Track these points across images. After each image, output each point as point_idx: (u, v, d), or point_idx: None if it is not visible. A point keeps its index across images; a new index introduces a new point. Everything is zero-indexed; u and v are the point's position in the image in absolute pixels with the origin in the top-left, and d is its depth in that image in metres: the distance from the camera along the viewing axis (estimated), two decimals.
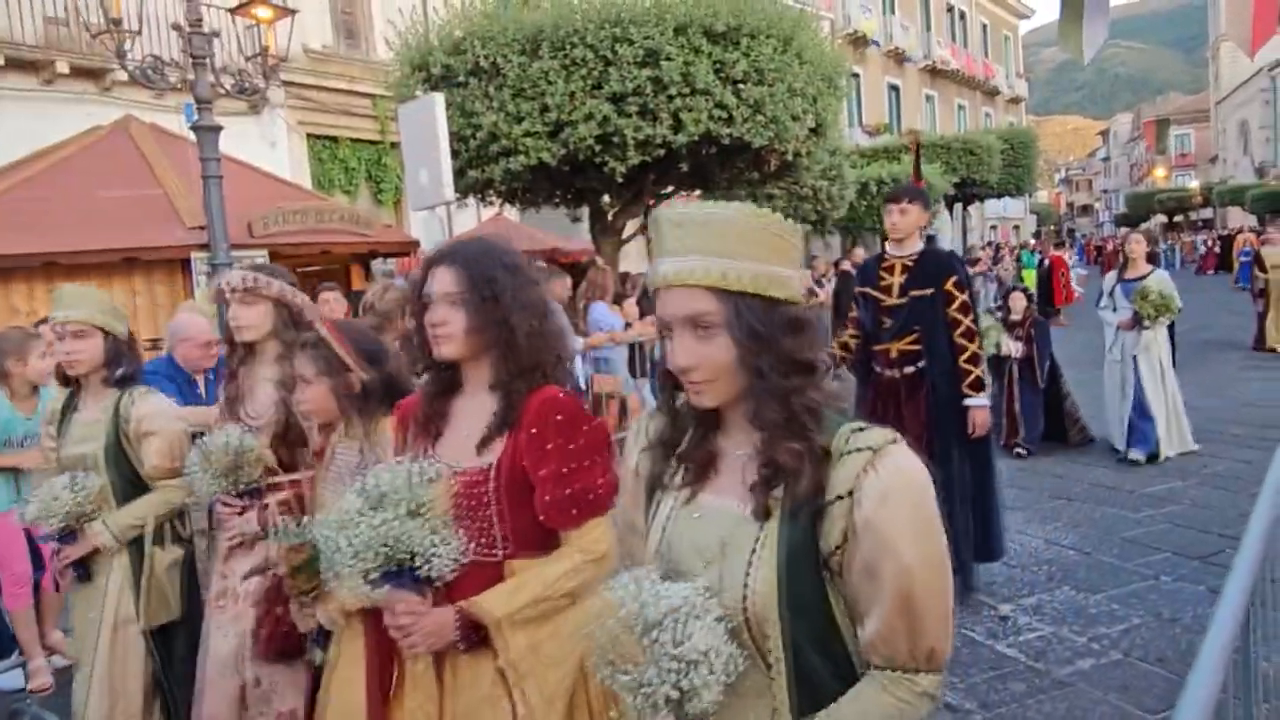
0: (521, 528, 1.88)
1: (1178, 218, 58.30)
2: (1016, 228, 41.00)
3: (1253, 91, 51.78)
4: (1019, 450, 7.31)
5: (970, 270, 18.65)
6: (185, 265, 8.40)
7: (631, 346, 7.81)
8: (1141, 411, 6.82)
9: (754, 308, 1.26)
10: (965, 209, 28.35)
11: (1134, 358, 6.91)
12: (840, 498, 1.24)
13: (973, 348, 4.12)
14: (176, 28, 7.25)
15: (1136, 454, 6.77)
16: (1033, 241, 29.96)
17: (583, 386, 7.37)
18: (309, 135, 14.27)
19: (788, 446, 1.26)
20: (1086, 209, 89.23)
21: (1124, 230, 54.69)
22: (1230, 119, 57.26)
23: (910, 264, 4.22)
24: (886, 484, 1.22)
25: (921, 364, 4.19)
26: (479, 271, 1.89)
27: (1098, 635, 3.89)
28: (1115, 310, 7.10)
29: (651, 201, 11.19)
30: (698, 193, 14.09)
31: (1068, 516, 5.64)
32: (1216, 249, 30.33)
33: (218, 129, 7.21)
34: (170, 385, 4.13)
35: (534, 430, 1.86)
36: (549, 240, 12.58)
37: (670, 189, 11.23)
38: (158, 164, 9.03)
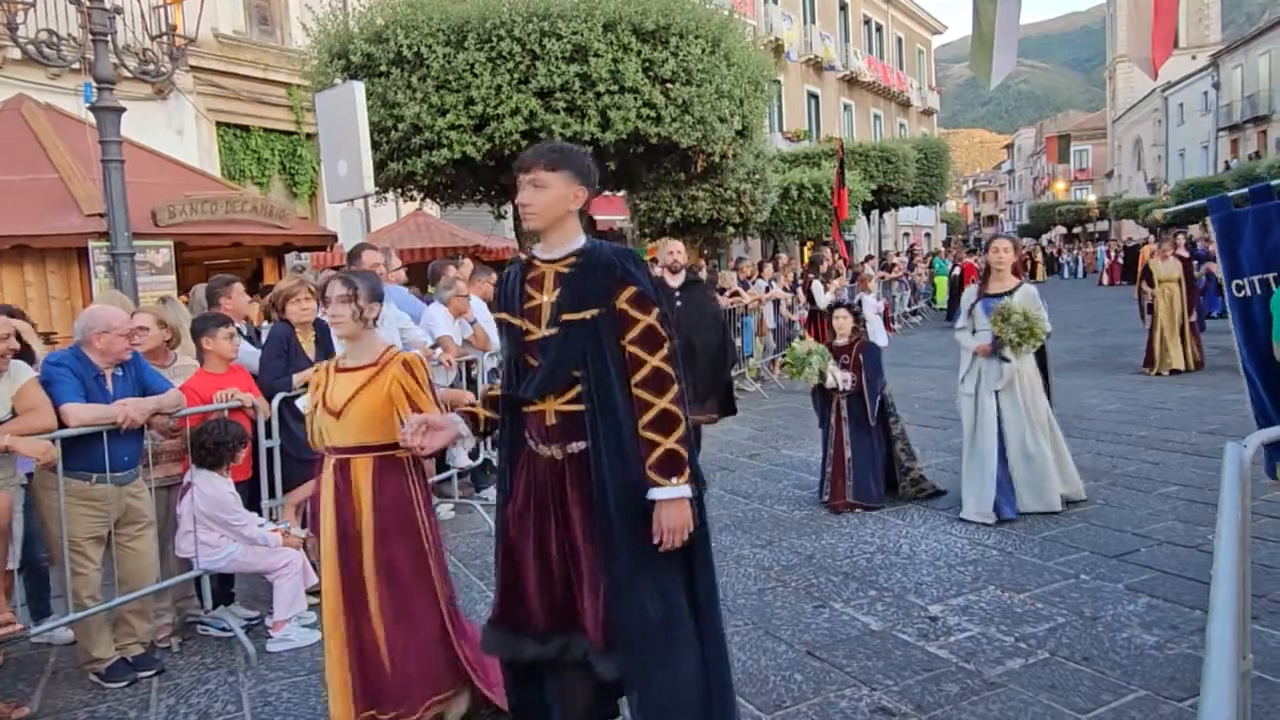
0: None
1: (1076, 229, 61.09)
2: (928, 235, 42.23)
3: (1146, 111, 54.65)
4: (844, 509, 5.91)
5: (885, 276, 19.26)
6: (82, 255, 7.91)
7: None
8: (1002, 463, 5.54)
9: None
10: (881, 216, 29.02)
11: (995, 394, 5.58)
12: None
13: (663, 403, 2.50)
14: (75, 1, 6.81)
15: (1006, 512, 5.49)
16: (942, 249, 30.93)
17: None
18: (219, 124, 13.70)
19: None
20: (992, 219, 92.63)
21: (1027, 240, 57.10)
22: (1125, 136, 60.29)
23: (565, 271, 2.64)
24: None
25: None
26: None
27: (1025, 635, 3.93)
28: (974, 332, 5.72)
29: None
30: (623, 192, 14.06)
31: None
32: (1120, 260, 31.43)
33: (119, 110, 6.80)
34: (74, 381, 3.86)
35: None
36: (471, 237, 12.34)
37: (596, 187, 11.13)
38: (53, 146, 8.49)
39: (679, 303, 6.31)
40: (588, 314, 2.56)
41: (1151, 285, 11.27)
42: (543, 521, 2.68)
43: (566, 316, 2.58)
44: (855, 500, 5.93)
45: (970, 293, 5.96)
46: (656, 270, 6.88)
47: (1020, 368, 5.56)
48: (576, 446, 2.61)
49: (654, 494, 2.50)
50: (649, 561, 2.54)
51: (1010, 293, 5.61)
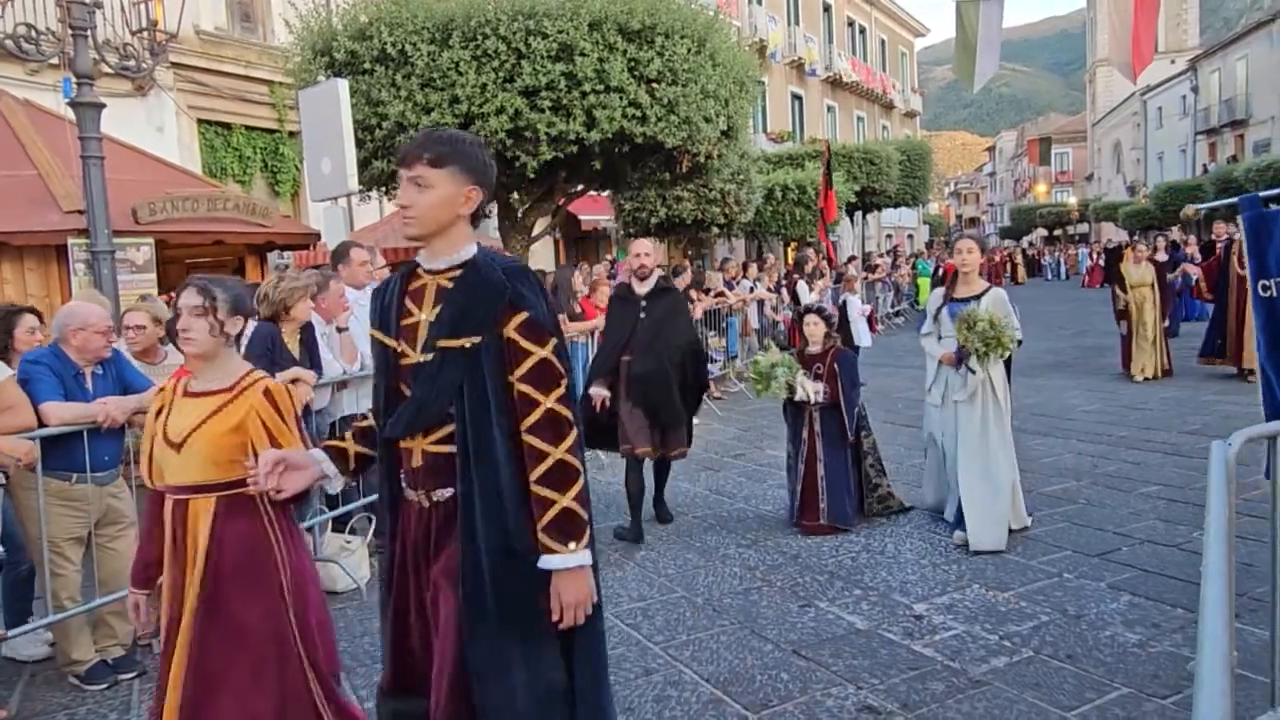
0: None
1: (1057, 231, 61.62)
2: (911, 237, 42.45)
3: (1125, 115, 55.18)
4: (817, 532, 5.46)
5: (869, 277, 19.34)
6: (61, 252, 7.82)
7: None
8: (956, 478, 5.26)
9: None
10: (865, 217, 29.15)
11: (955, 404, 5.26)
12: None
13: (559, 453, 2.12)
14: None
15: (960, 534, 5.17)
16: (925, 250, 31.09)
17: None
18: (200, 121, 13.58)
19: None
20: (974, 221, 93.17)
21: (1007, 242, 57.50)
22: (1105, 140, 60.87)
23: (449, 286, 2.21)
24: None
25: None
26: None
27: (1009, 633, 3.96)
28: (940, 339, 5.42)
29: (562, 200, 11.06)
30: (608, 192, 14.05)
31: None
32: (1101, 262, 31.51)
33: (99, 106, 6.73)
34: (53, 379, 3.81)
35: None
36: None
37: (581, 186, 11.12)
38: (31, 143, 8.39)
39: (643, 315, 5.52)
40: (467, 341, 2.14)
41: (1124, 290, 10.92)
42: (417, 575, 2.27)
43: (442, 343, 2.15)
44: (830, 523, 5.47)
45: (936, 296, 5.64)
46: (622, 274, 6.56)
47: (988, 378, 5.15)
48: (443, 494, 2.19)
49: (548, 562, 2.10)
50: (522, 638, 2.14)
51: (978, 297, 5.25)
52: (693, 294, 10.88)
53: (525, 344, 2.14)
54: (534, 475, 2.12)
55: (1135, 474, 6.55)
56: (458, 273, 2.22)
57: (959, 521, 5.20)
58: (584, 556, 2.12)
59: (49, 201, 7.85)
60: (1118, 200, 50.69)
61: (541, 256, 16.11)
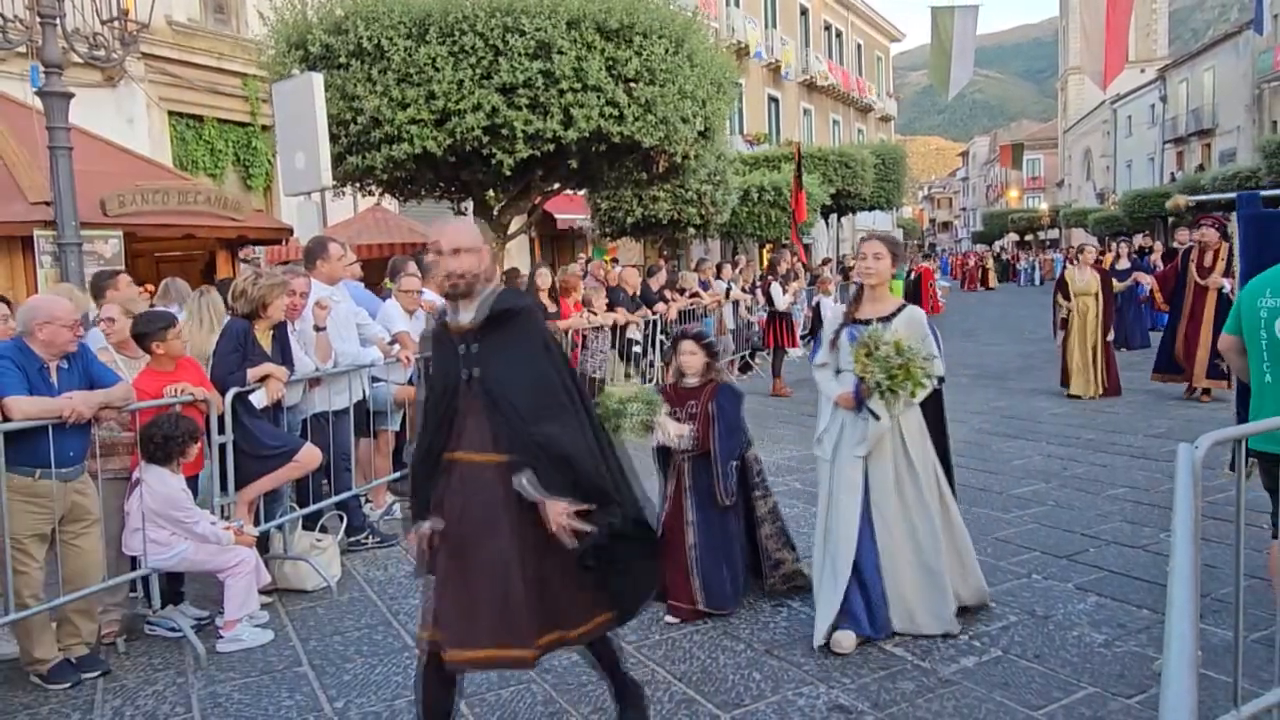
0: None
1: (1028, 236, 62.42)
2: None
3: (1095, 123, 55.96)
4: (690, 619, 4.19)
5: (843, 280, 19.48)
6: (27, 244, 7.69)
7: None
8: (857, 566, 3.84)
9: None
10: (839, 220, 29.35)
11: (863, 461, 3.90)
12: None
13: None
14: None
15: (840, 636, 3.78)
16: None
17: None
18: (171, 113, 13.39)
19: None
20: (947, 225, 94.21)
21: (980, 246, 58.13)
22: (1075, 147, 61.69)
23: None
24: None
25: None
26: None
27: (979, 633, 4.00)
28: (839, 372, 4.02)
29: (538, 198, 11.04)
30: (584, 191, 14.03)
31: None
32: None
33: (68, 95, 6.62)
34: (17, 373, 3.74)
35: None
36: (430, 234, 12.20)
37: (557, 185, 11.11)
38: None
39: (475, 372, 2.73)
40: None
41: (1067, 298, 9.95)
42: None
43: None
44: (707, 608, 4.20)
45: (835, 316, 4.27)
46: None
47: (903, 424, 3.89)
48: None
49: None
50: None
51: (889, 317, 3.95)
52: (667, 294, 10.89)
53: None
54: None
55: (1103, 476, 6.64)
56: None
57: (862, 616, 3.83)
58: None
59: (15, 192, 7.71)
60: (1088, 206, 51.44)
61: (517, 255, 16.08)
